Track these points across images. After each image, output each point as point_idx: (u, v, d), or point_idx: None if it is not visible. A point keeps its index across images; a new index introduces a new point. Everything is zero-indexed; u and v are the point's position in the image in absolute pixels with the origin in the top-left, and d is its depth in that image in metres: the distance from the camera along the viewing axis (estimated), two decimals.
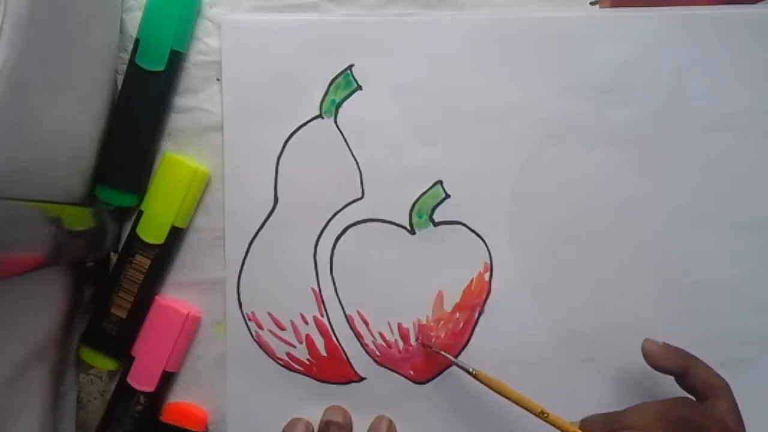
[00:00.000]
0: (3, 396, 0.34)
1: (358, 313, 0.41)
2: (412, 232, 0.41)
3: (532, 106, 0.40)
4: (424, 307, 0.40)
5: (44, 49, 0.30)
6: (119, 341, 0.41)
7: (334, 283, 0.41)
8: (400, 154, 0.40)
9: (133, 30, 0.40)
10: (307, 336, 0.41)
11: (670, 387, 0.37)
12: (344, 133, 0.40)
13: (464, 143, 0.40)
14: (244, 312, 0.41)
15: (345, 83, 0.40)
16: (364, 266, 0.41)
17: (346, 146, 0.41)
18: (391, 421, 0.40)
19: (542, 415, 0.35)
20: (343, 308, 0.41)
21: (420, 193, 0.40)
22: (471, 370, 0.37)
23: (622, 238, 0.40)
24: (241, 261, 0.41)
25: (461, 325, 0.40)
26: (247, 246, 0.41)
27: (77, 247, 0.37)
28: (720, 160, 0.40)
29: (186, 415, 0.41)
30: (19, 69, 0.28)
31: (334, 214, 0.41)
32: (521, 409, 0.38)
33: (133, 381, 0.40)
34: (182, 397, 0.42)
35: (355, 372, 0.41)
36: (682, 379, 0.36)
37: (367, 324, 0.41)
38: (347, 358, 0.41)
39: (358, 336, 0.41)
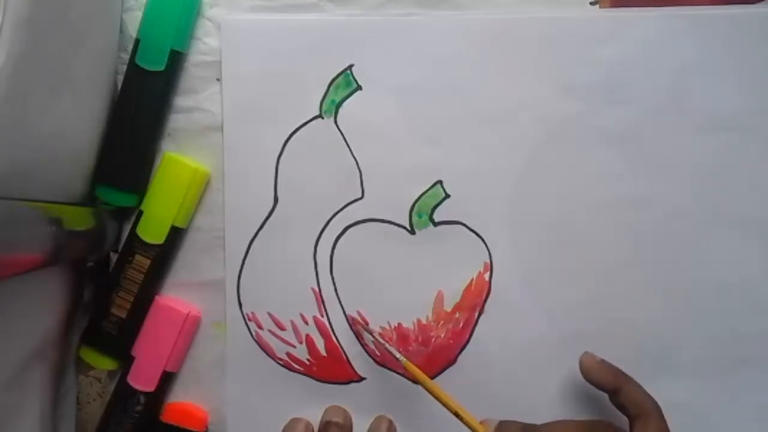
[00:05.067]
0: (3, 396, 0.34)
1: (358, 313, 0.41)
2: (412, 232, 0.41)
3: (532, 106, 0.40)
4: (424, 307, 0.40)
5: (44, 49, 0.30)
6: (119, 341, 0.41)
7: (334, 283, 0.41)
8: (400, 154, 0.40)
9: (133, 30, 0.40)
10: (307, 336, 0.41)
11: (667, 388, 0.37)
12: (344, 133, 0.40)
13: (464, 143, 0.40)
14: (244, 312, 0.41)
15: (345, 83, 0.40)
16: (364, 266, 0.41)
17: (346, 146, 0.41)
18: (391, 421, 0.40)
19: (456, 416, 0.36)
20: (343, 308, 0.41)
21: (420, 193, 0.40)
22: (399, 357, 0.37)
23: (622, 238, 0.40)
24: (241, 261, 0.41)
25: (461, 325, 0.40)
26: (247, 246, 0.41)
27: (77, 247, 0.37)
28: (720, 160, 0.40)
29: (186, 415, 0.41)
30: (19, 69, 0.28)
31: (334, 214, 0.41)
32: (520, 410, 0.38)
33: (133, 381, 0.40)
34: (182, 397, 0.42)
35: (355, 372, 0.41)
36: (614, 396, 0.36)
37: (367, 324, 0.41)
38: (347, 358, 0.41)
39: (358, 336, 0.41)
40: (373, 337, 0.39)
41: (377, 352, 0.41)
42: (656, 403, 0.35)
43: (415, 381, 0.38)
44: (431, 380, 0.37)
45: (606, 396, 0.36)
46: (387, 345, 0.38)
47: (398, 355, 0.38)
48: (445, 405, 0.36)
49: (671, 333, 0.40)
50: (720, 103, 0.39)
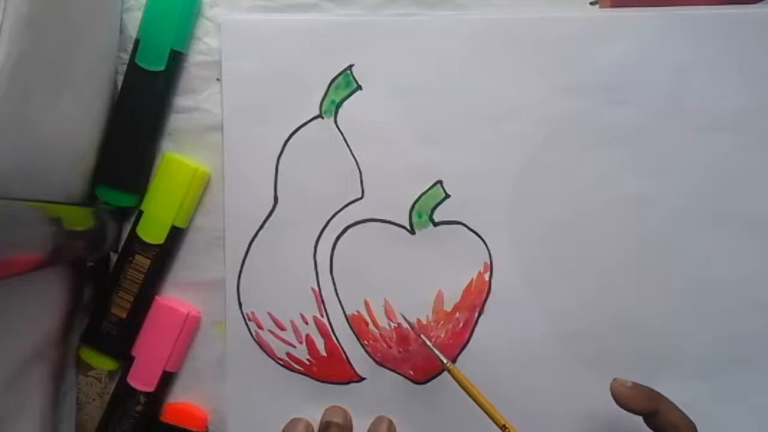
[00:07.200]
0: (3, 396, 0.34)
1: (359, 313, 0.41)
2: (412, 232, 0.41)
3: (533, 106, 0.40)
4: (424, 307, 0.40)
5: (44, 49, 0.30)
6: (119, 341, 0.41)
7: (334, 283, 0.41)
8: (400, 154, 0.40)
9: (133, 30, 0.40)
10: (307, 336, 0.41)
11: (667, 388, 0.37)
12: (344, 133, 0.40)
13: (464, 143, 0.40)
14: (244, 312, 0.41)
15: (345, 83, 0.40)
16: (364, 266, 0.41)
17: (346, 146, 0.41)
18: (391, 421, 0.40)
19: (503, 429, 0.35)
20: (343, 308, 0.41)
21: (420, 193, 0.40)
22: (446, 363, 0.37)
23: (623, 238, 0.40)
24: (241, 261, 0.41)
25: (461, 325, 0.40)
26: (247, 246, 0.41)
27: (77, 247, 0.37)
28: (720, 159, 0.40)
29: (186, 415, 0.41)
30: (19, 69, 0.28)
31: (334, 214, 0.41)
32: (522, 410, 0.38)
33: (133, 381, 0.40)
34: (182, 397, 0.42)
35: (355, 372, 0.41)
36: (650, 419, 0.35)
37: (367, 324, 0.41)
38: (347, 358, 0.41)
39: (358, 336, 0.41)
40: (422, 338, 0.38)
41: (377, 353, 0.41)
42: (693, 424, 0.34)
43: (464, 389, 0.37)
44: (478, 390, 0.36)
45: (606, 394, 0.36)
46: (436, 350, 0.37)
47: (446, 361, 0.37)
48: (492, 417, 0.35)
49: (671, 333, 0.40)
50: (720, 102, 0.39)
